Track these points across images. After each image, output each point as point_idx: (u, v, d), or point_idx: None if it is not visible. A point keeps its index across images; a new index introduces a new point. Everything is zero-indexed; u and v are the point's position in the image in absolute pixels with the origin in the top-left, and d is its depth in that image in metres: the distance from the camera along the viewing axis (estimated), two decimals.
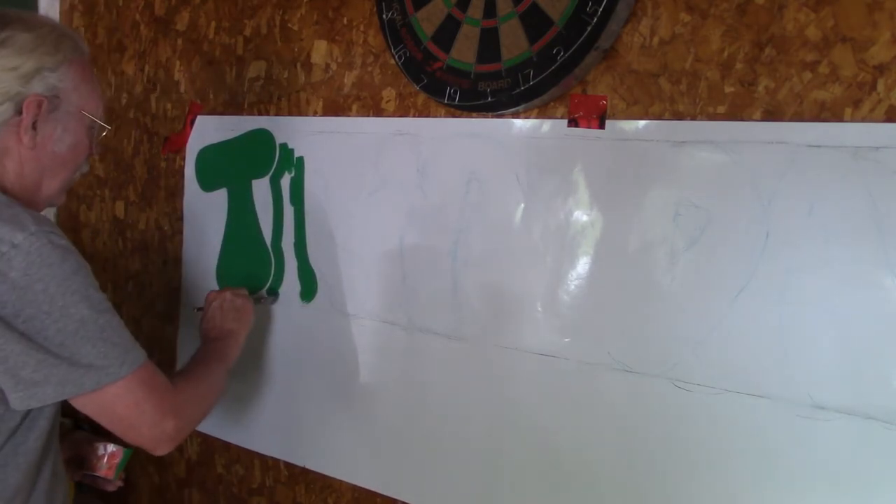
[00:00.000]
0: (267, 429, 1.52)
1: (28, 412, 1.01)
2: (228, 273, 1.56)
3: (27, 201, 1.06)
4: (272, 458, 1.52)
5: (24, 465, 1.03)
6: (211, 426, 1.61)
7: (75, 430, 1.39)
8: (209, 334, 1.31)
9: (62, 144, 1.08)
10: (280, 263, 1.47)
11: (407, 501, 1.31)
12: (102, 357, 0.98)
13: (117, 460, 1.31)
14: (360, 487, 1.38)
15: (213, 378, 1.20)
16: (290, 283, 1.45)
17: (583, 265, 1.10)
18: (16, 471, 1.02)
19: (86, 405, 1.01)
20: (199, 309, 1.40)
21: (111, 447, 1.31)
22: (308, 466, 1.45)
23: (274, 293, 1.47)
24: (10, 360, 0.94)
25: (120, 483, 1.35)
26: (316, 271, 1.42)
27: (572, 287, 1.11)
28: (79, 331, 0.96)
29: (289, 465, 1.49)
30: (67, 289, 0.96)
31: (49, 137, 1.06)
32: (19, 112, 1.02)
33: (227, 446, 1.60)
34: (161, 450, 1.08)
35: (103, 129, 1.15)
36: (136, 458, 1.75)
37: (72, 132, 1.09)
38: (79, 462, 1.32)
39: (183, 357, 1.67)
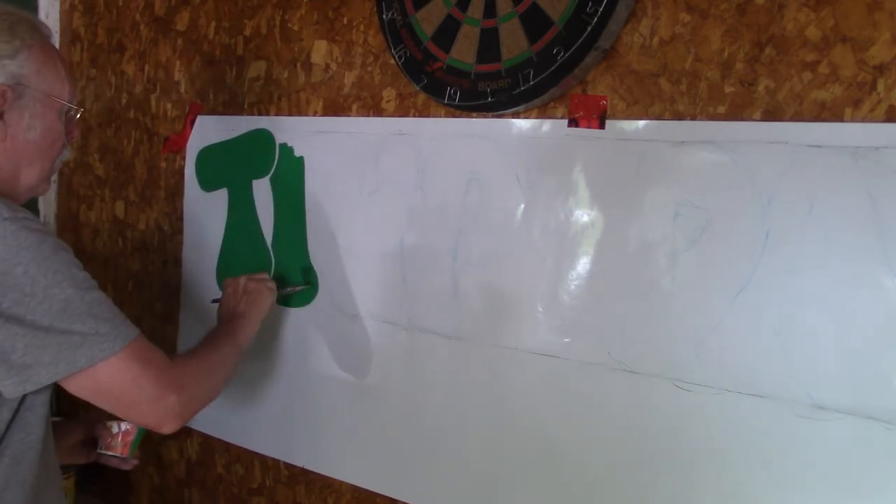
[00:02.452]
0: (267, 429, 1.52)
1: (17, 409, 0.99)
2: (228, 273, 1.56)
3: (7, 193, 1.03)
4: (272, 458, 1.52)
5: (10, 463, 1.01)
6: (211, 426, 1.61)
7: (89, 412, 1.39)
8: (222, 318, 1.29)
9: (33, 132, 1.05)
10: (280, 263, 1.47)
11: (407, 501, 1.31)
12: (93, 333, 0.96)
13: (131, 437, 1.32)
14: (360, 487, 1.38)
15: (218, 355, 1.17)
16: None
17: (583, 265, 1.10)
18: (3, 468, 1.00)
19: (81, 388, 0.98)
20: (216, 301, 1.39)
21: (125, 425, 1.31)
22: (308, 467, 1.45)
23: (305, 282, 1.44)
24: None
25: (136, 461, 1.35)
26: (316, 271, 1.42)
27: (572, 287, 1.11)
28: (65, 309, 0.94)
29: (289, 465, 1.49)
30: (48, 269, 0.94)
31: (18, 126, 1.04)
32: None
33: (227, 446, 1.60)
34: (167, 427, 1.05)
35: (75, 111, 1.11)
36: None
37: (40, 118, 1.06)
38: (94, 442, 1.32)
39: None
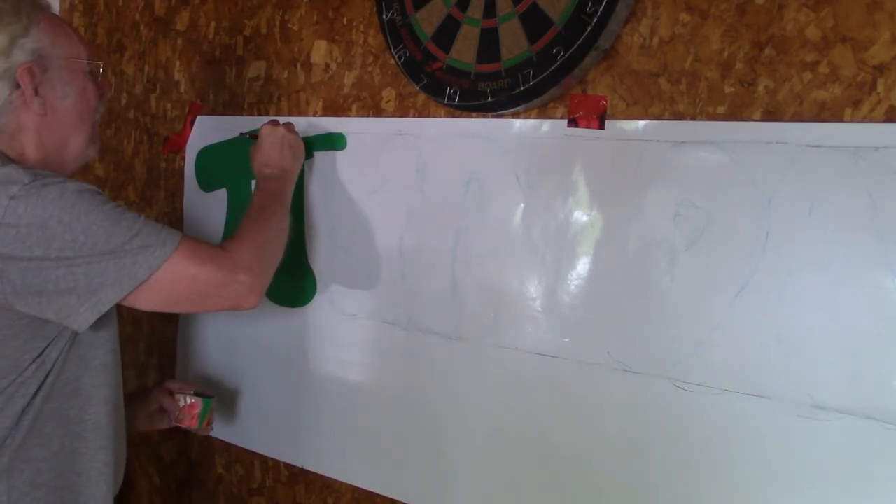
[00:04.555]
0: (267, 429, 1.52)
1: (65, 346, 1.07)
2: None
3: (56, 166, 1.10)
4: (272, 458, 1.52)
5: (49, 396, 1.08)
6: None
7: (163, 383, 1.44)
8: (263, 170, 1.28)
9: (70, 98, 1.11)
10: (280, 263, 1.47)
11: (407, 502, 1.31)
12: (141, 246, 1.01)
13: (197, 410, 1.38)
14: (359, 487, 1.38)
15: (273, 224, 1.19)
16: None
17: (583, 265, 1.10)
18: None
19: (152, 301, 1.04)
20: (246, 134, 1.38)
21: (190, 399, 1.38)
22: (307, 467, 1.45)
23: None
24: (62, 284, 0.99)
25: (210, 429, 1.42)
26: (316, 272, 1.42)
27: (572, 287, 1.11)
28: (109, 240, 1.00)
29: (289, 466, 1.49)
30: (79, 211, 0.99)
31: (55, 97, 1.09)
32: (17, 86, 1.06)
33: (227, 446, 1.60)
34: (247, 304, 1.10)
35: (98, 66, 1.17)
36: (136, 459, 1.76)
37: (72, 82, 1.11)
38: (165, 413, 1.39)
39: (182, 357, 1.67)
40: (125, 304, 1.04)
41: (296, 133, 1.32)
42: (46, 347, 1.06)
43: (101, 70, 1.18)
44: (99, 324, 1.04)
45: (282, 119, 1.34)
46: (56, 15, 1.14)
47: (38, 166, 1.08)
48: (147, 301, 1.04)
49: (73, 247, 0.98)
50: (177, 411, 1.38)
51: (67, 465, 1.10)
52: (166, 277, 1.02)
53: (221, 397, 1.58)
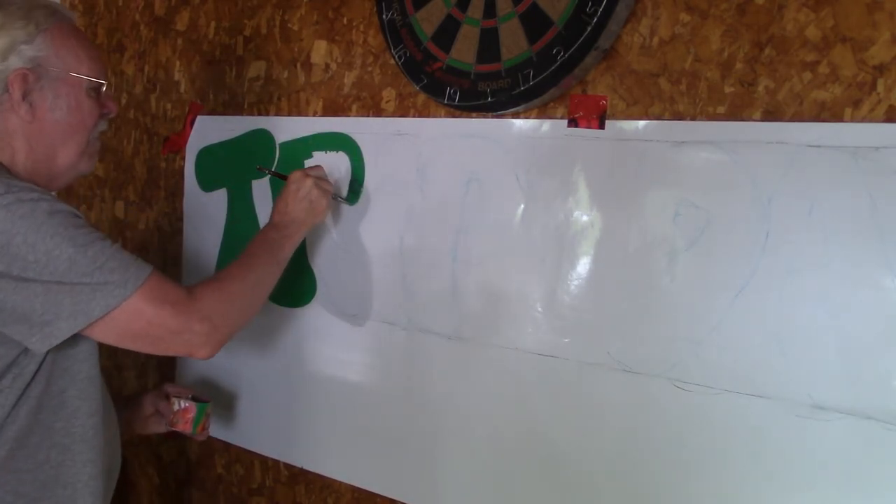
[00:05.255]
0: (267, 429, 1.52)
1: (42, 361, 1.04)
2: None
3: (46, 175, 1.10)
4: (272, 458, 1.52)
5: (35, 410, 1.06)
6: (211, 426, 1.61)
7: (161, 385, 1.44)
8: (275, 216, 1.26)
9: (59, 111, 1.10)
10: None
11: (406, 502, 1.31)
12: (102, 283, 0.99)
13: (191, 415, 1.37)
14: (359, 488, 1.38)
15: (254, 275, 1.16)
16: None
17: (583, 265, 1.10)
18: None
19: (106, 335, 1.03)
20: (268, 171, 1.37)
21: (184, 403, 1.37)
22: (307, 467, 1.45)
23: (350, 198, 1.37)
24: (19, 309, 0.98)
25: (206, 435, 1.41)
26: (316, 272, 1.42)
27: (572, 287, 1.11)
28: (71, 268, 0.98)
29: (289, 466, 1.49)
30: (45, 234, 0.98)
31: (44, 107, 1.08)
32: (6, 89, 1.05)
33: (227, 446, 1.60)
34: (199, 354, 1.09)
35: (101, 85, 1.14)
36: (136, 459, 1.76)
37: (65, 97, 1.10)
38: (161, 418, 1.39)
39: (182, 357, 1.67)
40: (81, 333, 1.02)
41: (324, 187, 1.27)
42: (19, 356, 1.03)
43: (104, 89, 1.16)
44: (80, 337, 1.03)
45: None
46: (74, 28, 1.13)
47: (28, 173, 1.08)
48: (101, 335, 1.03)
49: (34, 268, 0.97)
50: (171, 415, 1.37)
51: (53, 477, 1.09)
52: (122, 316, 1.01)
53: (221, 397, 1.58)
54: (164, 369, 1.72)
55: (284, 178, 1.28)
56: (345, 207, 1.37)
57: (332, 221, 1.39)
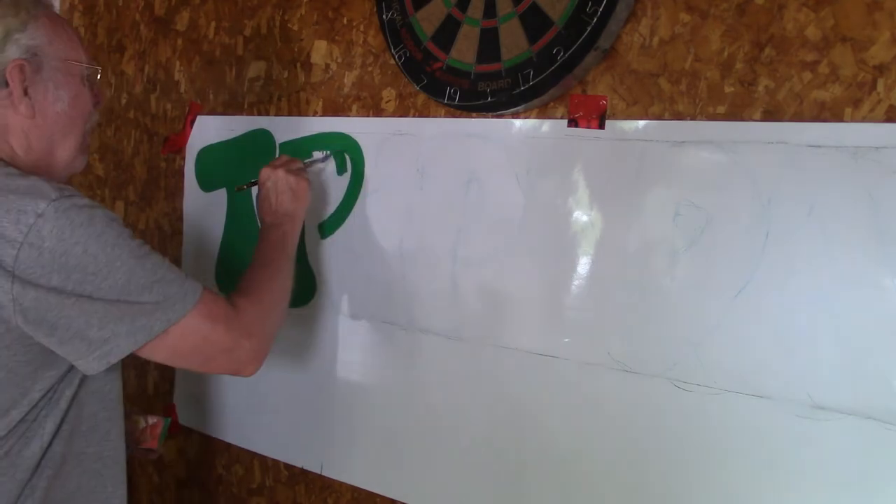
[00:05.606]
0: (267, 429, 1.52)
1: (79, 385, 1.02)
2: (228, 273, 1.56)
3: (45, 173, 1.01)
4: (272, 458, 1.52)
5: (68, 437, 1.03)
6: (211, 426, 1.61)
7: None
8: (265, 219, 1.24)
9: (62, 103, 1.04)
10: None
11: (406, 502, 1.31)
12: (162, 297, 0.96)
13: (159, 430, 1.34)
14: (359, 488, 1.38)
15: (277, 281, 1.15)
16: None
17: (583, 265, 1.10)
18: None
19: (156, 353, 0.99)
20: (244, 186, 1.36)
21: (151, 419, 1.34)
22: (307, 467, 1.45)
23: (324, 155, 1.37)
24: (74, 325, 0.93)
25: (161, 451, 1.37)
26: (315, 272, 1.42)
27: (572, 287, 1.11)
28: (130, 281, 0.94)
29: (288, 466, 1.49)
30: (106, 243, 0.93)
31: (46, 99, 1.02)
32: (5, 83, 0.99)
33: (227, 446, 1.60)
34: (247, 372, 1.07)
35: (96, 72, 1.10)
36: (136, 458, 1.76)
37: (66, 86, 1.04)
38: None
39: None
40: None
41: (297, 171, 1.27)
42: (59, 383, 1.00)
43: (98, 77, 1.11)
44: None
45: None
46: (58, 15, 1.08)
47: (26, 171, 1.01)
48: (151, 352, 0.99)
49: (93, 281, 0.92)
50: (137, 433, 1.33)
51: None
52: (178, 332, 0.98)
53: (221, 398, 1.58)
54: (165, 369, 1.72)
55: (256, 183, 1.29)
56: (337, 185, 1.36)
57: (332, 221, 1.39)
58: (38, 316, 0.92)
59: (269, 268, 1.16)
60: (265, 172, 1.26)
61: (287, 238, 1.22)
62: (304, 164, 1.33)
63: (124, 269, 0.94)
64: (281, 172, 1.25)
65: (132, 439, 1.33)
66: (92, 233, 0.92)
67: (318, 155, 1.39)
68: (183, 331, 0.98)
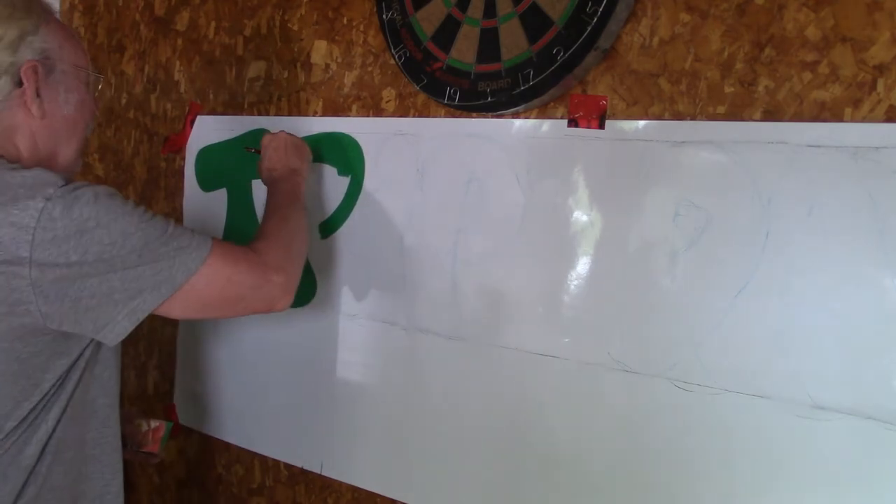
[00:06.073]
0: (267, 429, 1.51)
1: (73, 363, 1.03)
2: None
3: None
4: (272, 458, 1.52)
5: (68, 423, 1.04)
6: (211, 426, 1.61)
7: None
8: (273, 174, 1.27)
9: (69, 106, 1.07)
10: None
11: (406, 502, 1.31)
12: (178, 248, 0.98)
13: (161, 434, 1.34)
14: (359, 488, 1.38)
15: (293, 223, 1.17)
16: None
17: (583, 265, 1.10)
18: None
19: (188, 307, 1.01)
20: (251, 149, 1.39)
21: (154, 423, 1.34)
22: (307, 467, 1.45)
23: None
24: (99, 292, 0.95)
25: (163, 455, 1.38)
26: (316, 272, 1.42)
27: (572, 287, 1.11)
28: (147, 242, 0.97)
29: (289, 466, 1.49)
30: (116, 214, 0.96)
31: (55, 102, 1.05)
32: (19, 84, 1.01)
33: (227, 446, 1.60)
34: (280, 305, 1.08)
35: (99, 80, 1.13)
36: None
37: (74, 90, 1.07)
38: (123, 441, 1.33)
39: (182, 357, 1.67)
40: (159, 313, 1.00)
41: (297, 136, 1.32)
42: (69, 371, 1.02)
43: (100, 87, 1.14)
44: None
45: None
46: (64, 23, 1.10)
47: None
48: (182, 307, 1.01)
49: (110, 250, 0.95)
50: (139, 436, 1.34)
51: (82, 493, 1.07)
52: (201, 281, 1.00)
53: (221, 397, 1.58)
54: (164, 368, 1.72)
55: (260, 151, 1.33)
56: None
57: (332, 222, 1.39)
58: (59, 295, 0.94)
59: (281, 212, 1.18)
60: (267, 137, 1.31)
61: (296, 188, 1.25)
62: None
63: (138, 234, 0.96)
64: (283, 134, 1.30)
65: (133, 442, 1.33)
66: (101, 207, 0.95)
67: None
68: (206, 278, 1.00)
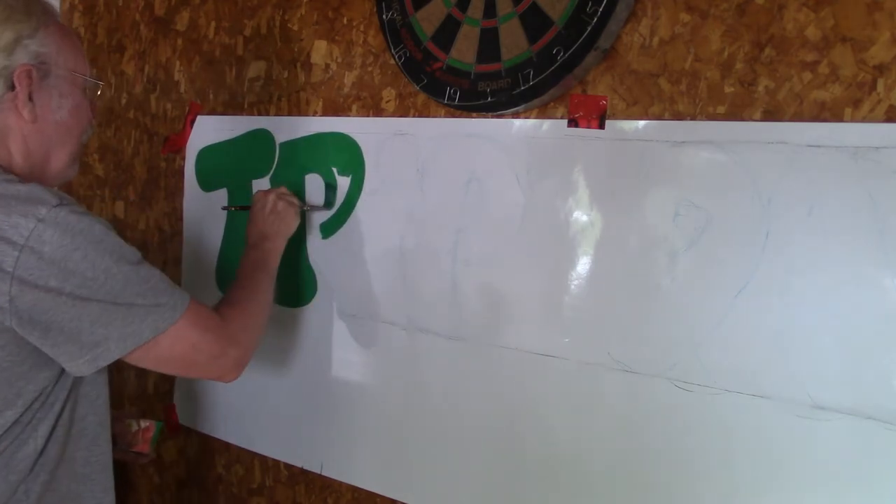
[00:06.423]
0: (267, 429, 1.52)
1: (70, 388, 1.03)
2: (228, 273, 1.56)
3: (38, 180, 1.03)
4: (272, 458, 1.52)
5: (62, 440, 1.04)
6: (211, 426, 1.61)
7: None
8: (249, 239, 1.29)
9: (62, 111, 1.06)
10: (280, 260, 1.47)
11: (406, 502, 1.31)
12: (153, 304, 0.98)
13: (151, 434, 1.34)
14: (359, 488, 1.38)
15: (259, 296, 1.19)
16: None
17: (583, 265, 1.10)
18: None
19: (144, 359, 1.01)
20: (234, 208, 1.41)
21: (144, 422, 1.34)
22: (307, 467, 1.45)
23: (325, 203, 1.40)
24: (67, 328, 0.94)
25: (153, 455, 1.37)
26: (316, 272, 1.42)
27: (572, 287, 1.11)
28: (126, 287, 0.96)
29: (288, 466, 1.49)
30: (104, 250, 0.95)
31: (48, 107, 1.04)
32: (11, 87, 1.00)
33: (227, 446, 1.60)
34: (228, 378, 1.10)
35: (97, 86, 1.12)
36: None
37: (69, 96, 1.06)
38: (113, 440, 1.32)
39: None
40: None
41: (288, 199, 1.32)
42: (54, 385, 1.01)
43: (98, 93, 1.13)
44: None
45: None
46: (66, 26, 1.10)
47: (24, 177, 1.03)
48: (139, 358, 1.00)
49: (90, 286, 0.94)
50: (129, 436, 1.33)
51: None
52: (167, 340, 1.00)
53: (221, 397, 1.58)
54: None
55: (248, 208, 1.34)
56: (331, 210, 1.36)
57: (332, 222, 1.39)
58: (32, 317, 0.93)
59: (250, 284, 1.20)
60: (258, 195, 1.33)
61: (269, 256, 1.26)
62: (302, 206, 1.36)
63: (120, 276, 0.96)
64: (272, 196, 1.31)
65: (123, 442, 1.32)
66: (92, 239, 0.95)
67: (312, 193, 1.40)
68: (172, 340, 1.01)
